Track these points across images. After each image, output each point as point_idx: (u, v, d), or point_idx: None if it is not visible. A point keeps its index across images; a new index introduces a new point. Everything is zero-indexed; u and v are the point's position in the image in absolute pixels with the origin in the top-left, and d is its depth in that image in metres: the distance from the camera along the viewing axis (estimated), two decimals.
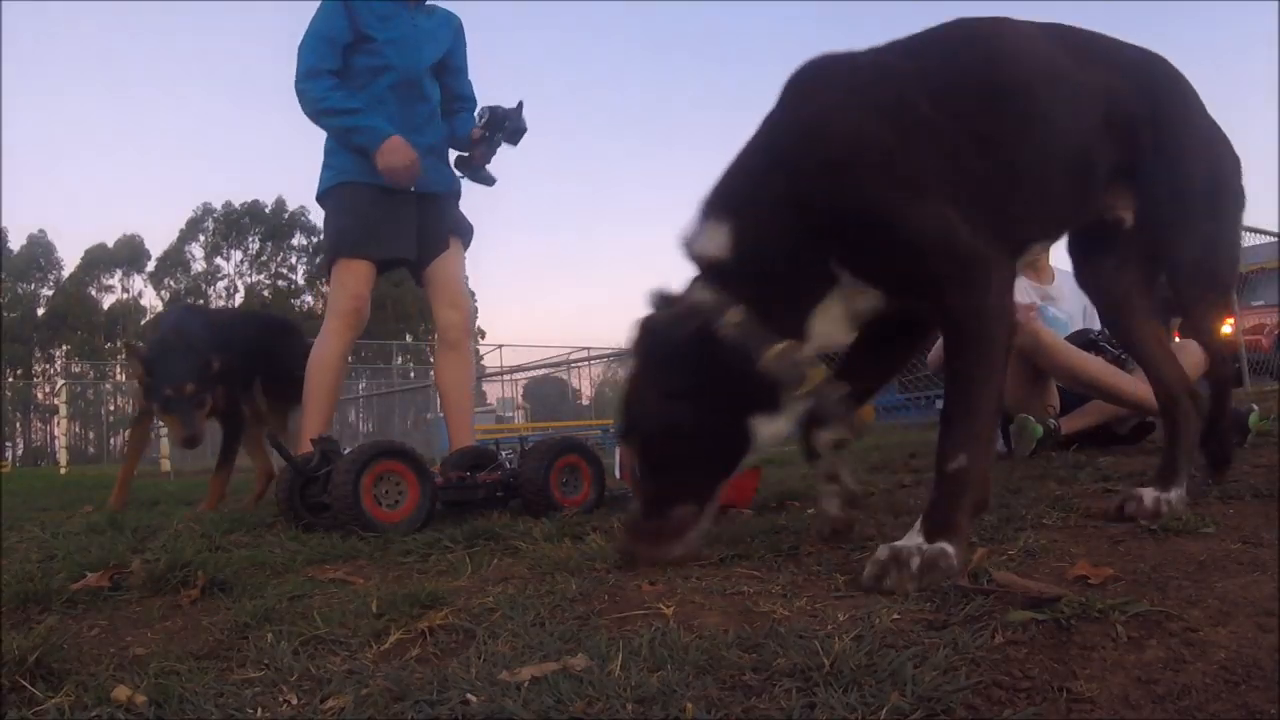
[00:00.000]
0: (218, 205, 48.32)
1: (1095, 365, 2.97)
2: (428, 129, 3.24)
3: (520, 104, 3.25)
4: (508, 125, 3.21)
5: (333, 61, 3.06)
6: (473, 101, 3.40)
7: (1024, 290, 3.35)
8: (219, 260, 48.28)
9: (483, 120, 3.24)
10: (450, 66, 3.33)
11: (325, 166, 3.21)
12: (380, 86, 3.10)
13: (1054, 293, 3.35)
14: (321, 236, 3.79)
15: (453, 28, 3.32)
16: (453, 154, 3.39)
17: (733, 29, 70.71)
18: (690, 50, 72.08)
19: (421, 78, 3.18)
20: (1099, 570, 1.25)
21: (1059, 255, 3.39)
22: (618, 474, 2.60)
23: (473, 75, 3.45)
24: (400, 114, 3.12)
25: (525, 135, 3.26)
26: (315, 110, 3.07)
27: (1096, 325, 3.39)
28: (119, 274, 47.77)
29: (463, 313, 3.28)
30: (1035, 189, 1.60)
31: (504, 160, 3.37)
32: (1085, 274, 1.95)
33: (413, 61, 3.15)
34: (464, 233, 3.36)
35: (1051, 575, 1.28)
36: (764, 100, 1.62)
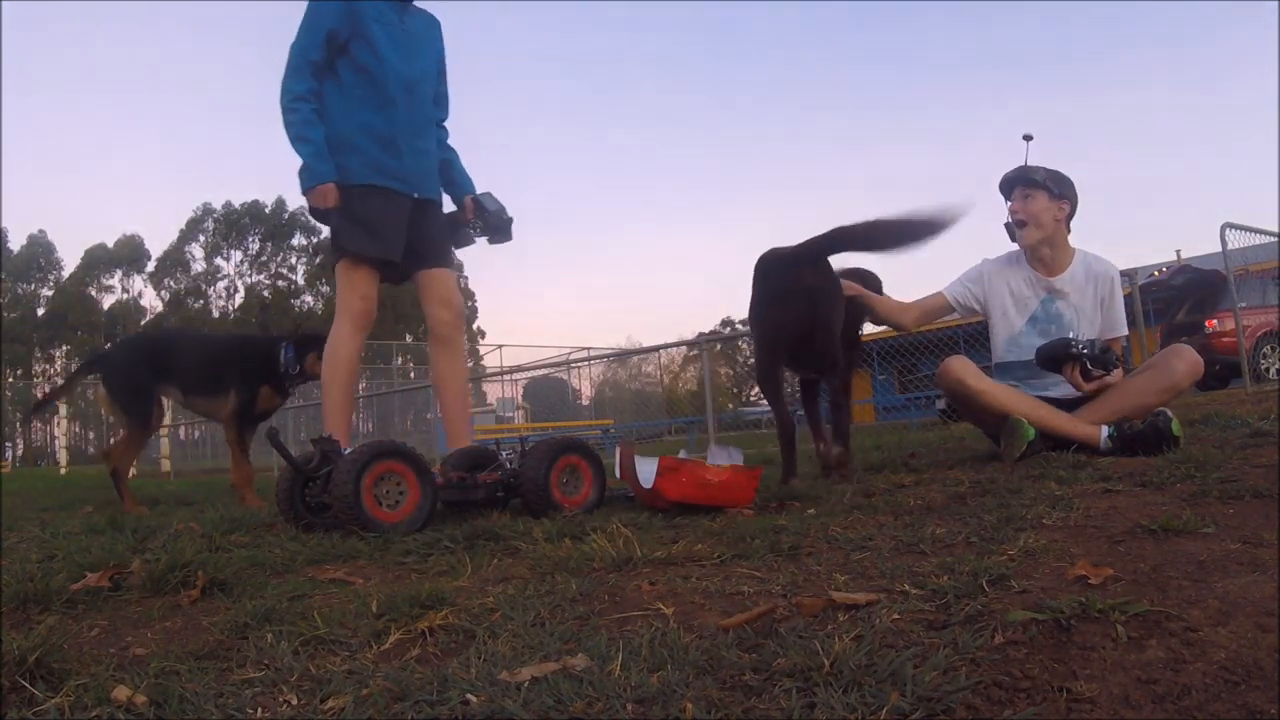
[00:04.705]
0: (218, 205, 48.41)
1: (1023, 405, 2.93)
2: (427, 133, 3.28)
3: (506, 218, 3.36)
4: (491, 222, 3.34)
5: (307, 74, 3.04)
6: (446, 103, 3.44)
7: (1027, 282, 3.27)
8: (219, 260, 48.34)
9: (477, 218, 3.38)
10: (438, 70, 3.37)
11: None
12: (392, 88, 3.10)
13: (1061, 284, 3.24)
14: (322, 237, 3.86)
15: (438, 31, 3.36)
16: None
17: (742, 25, 70.72)
18: (695, 47, 72.16)
19: (421, 81, 3.21)
20: (1099, 570, 1.25)
21: (1080, 237, 3.32)
22: (618, 474, 2.60)
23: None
24: (409, 117, 3.16)
25: (505, 230, 3.39)
26: (284, 123, 3.08)
27: (1118, 315, 3.27)
28: (119, 274, 47.82)
29: (454, 310, 3.32)
30: None
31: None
32: None
33: (412, 65, 3.18)
34: (461, 241, 3.44)
35: (1051, 575, 1.28)
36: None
